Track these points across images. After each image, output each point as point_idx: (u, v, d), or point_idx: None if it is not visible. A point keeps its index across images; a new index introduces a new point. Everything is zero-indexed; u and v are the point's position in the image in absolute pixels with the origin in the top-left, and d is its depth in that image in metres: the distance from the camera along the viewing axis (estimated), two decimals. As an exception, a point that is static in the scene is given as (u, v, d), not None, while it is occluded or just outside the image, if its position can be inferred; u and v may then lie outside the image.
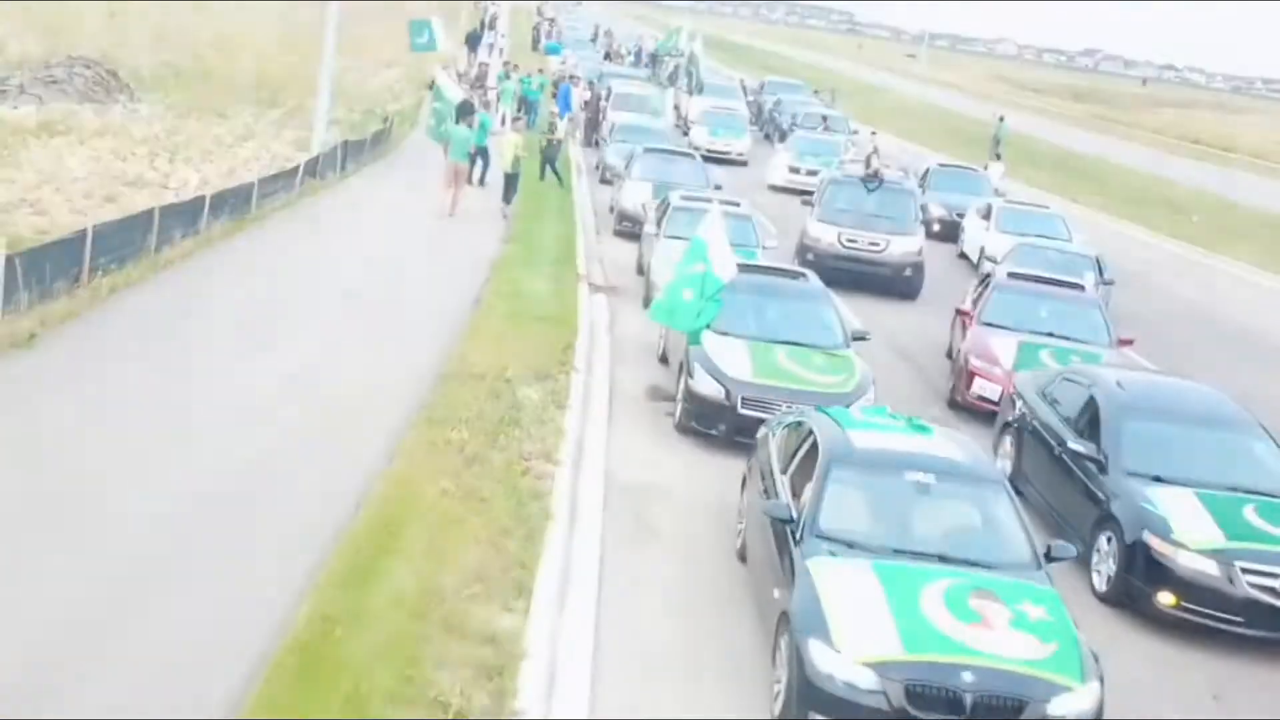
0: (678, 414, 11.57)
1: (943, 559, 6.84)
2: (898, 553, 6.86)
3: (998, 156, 34.20)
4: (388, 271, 16.26)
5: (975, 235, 22.80)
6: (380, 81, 42.83)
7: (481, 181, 22.93)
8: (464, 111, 23.13)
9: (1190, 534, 8.34)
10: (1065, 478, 9.59)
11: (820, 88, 51.71)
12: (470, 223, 20.77)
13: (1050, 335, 13.47)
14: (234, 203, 17.79)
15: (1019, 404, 10.95)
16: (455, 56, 42.11)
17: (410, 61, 46.67)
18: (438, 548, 7.84)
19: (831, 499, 7.13)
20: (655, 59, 52.84)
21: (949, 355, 15.67)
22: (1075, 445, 9.36)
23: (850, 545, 6.87)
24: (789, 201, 27.39)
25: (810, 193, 27.26)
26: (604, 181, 26.32)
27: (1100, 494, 9.05)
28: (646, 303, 16.54)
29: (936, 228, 23.55)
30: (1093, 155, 54.95)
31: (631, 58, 54.73)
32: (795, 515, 7.13)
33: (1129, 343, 13.71)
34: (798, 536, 6.97)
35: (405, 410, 10.48)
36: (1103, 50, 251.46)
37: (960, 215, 24.38)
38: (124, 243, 14.23)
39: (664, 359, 13.78)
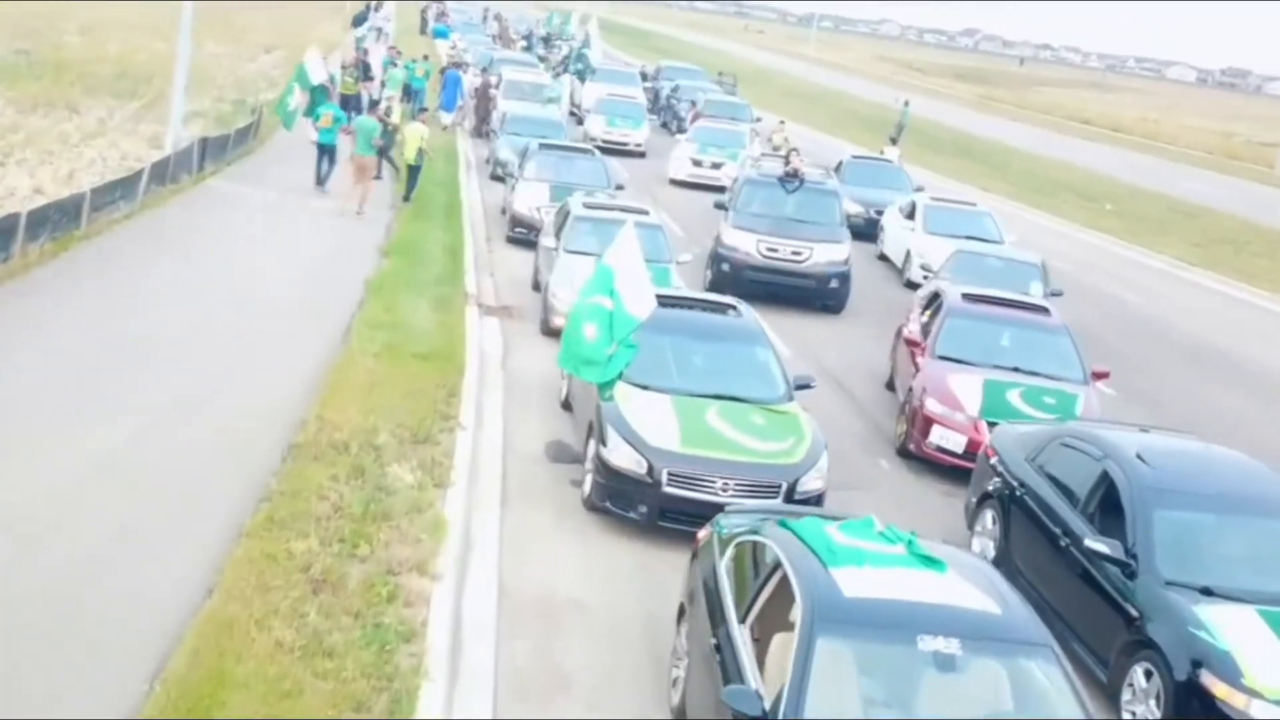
0: (587, 487, 9.38)
1: (981, 777, 4.85)
2: (918, 770, 4.83)
3: (892, 141, 32.73)
4: (239, 299, 13.63)
5: (898, 236, 21.13)
6: (256, 68, 39.59)
7: (322, 183, 20.19)
8: (321, 96, 20.80)
9: (1266, 677, 6.45)
10: (1076, 579, 7.68)
11: (724, 72, 49.88)
12: (342, 232, 18.23)
13: (1016, 370, 11.65)
14: (58, 219, 14.83)
15: (1002, 470, 9.02)
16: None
17: (292, 46, 43.37)
18: (259, 752, 5.55)
19: (820, 683, 5.05)
20: (548, 42, 50.43)
21: (889, 386, 13.84)
22: (1094, 544, 7.42)
23: (851, 760, 4.81)
24: (696, 199, 25.47)
25: (716, 188, 25.58)
26: (495, 178, 24.03)
27: (1131, 610, 7.13)
28: (544, 326, 14.40)
29: (861, 224, 21.82)
30: (989, 139, 54.45)
31: (524, 42, 52.07)
32: (767, 711, 5.03)
33: (1104, 376, 11.97)
34: (775, 746, 4.88)
35: (237, 507, 8.04)
36: (982, 30, 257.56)
37: (878, 212, 22.71)
38: (-103, 277, 11.44)
39: (567, 405, 11.59)
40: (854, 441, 11.89)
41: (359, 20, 45.64)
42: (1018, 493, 8.67)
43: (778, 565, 5.85)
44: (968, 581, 5.70)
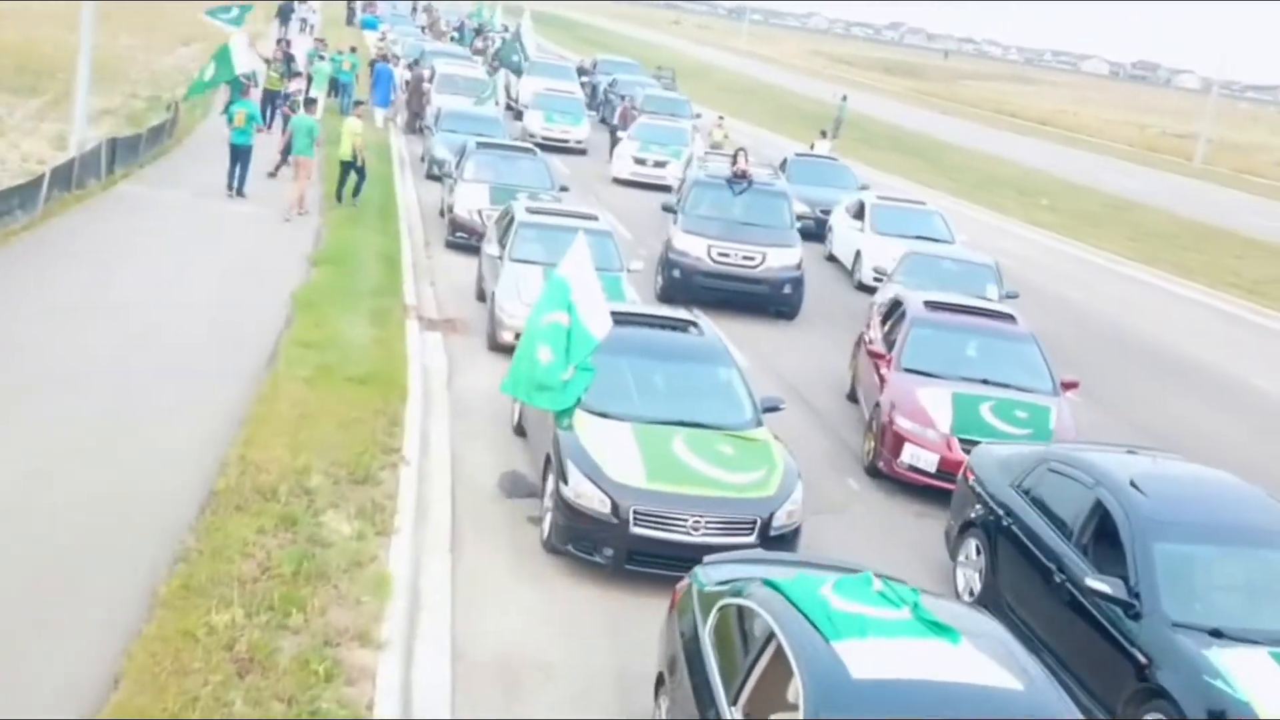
0: (546, 528, 8.65)
1: None
2: None
3: (823, 134, 32.41)
4: (149, 321, 12.58)
5: (847, 236, 20.69)
6: (172, 61, 37.90)
7: (240, 190, 19.12)
8: (235, 91, 19.85)
9: (1287, 728, 6.01)
10: (1076, 619, 7.15)
11: (662, 67, 49.23)
12: (266, 239, 17.22)
13: (985, 382, 11.16)
14: (-55, 231, 13.74)
15: (986, 497, 8.49)
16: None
17: (212, 37, 41.61)
18: None
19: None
20: (480, 33, 49.36)
21: (851, 397, 13.31)
22: (1095, 584, 6.91)
23: None
24: (641, 198, 24.83)
25: (661, 187, 24.94)
26: (431, 177, 23.13)
27: (1139, 655, 6.62)
28: (492, 341, 13.63)
29: (811, 226, 21.38)
30: (923, 133, 54.59)
31: (455, 34, 50.92)
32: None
33: (1073, 385, 11.54)
34: None
35: (148, 572, 7.15)
36: (907, 24, 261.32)
37: (825, 212, 22.28)
38: None
39: (520, 430, 10.85)
40: (820, 459, 11.30)
41: (284, 12, 44.16)
42: (1004, 522, 8.15)
43: (771, 637, 5.21)
44: (983, 653, 5.11)
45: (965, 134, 57.80)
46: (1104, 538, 7.30)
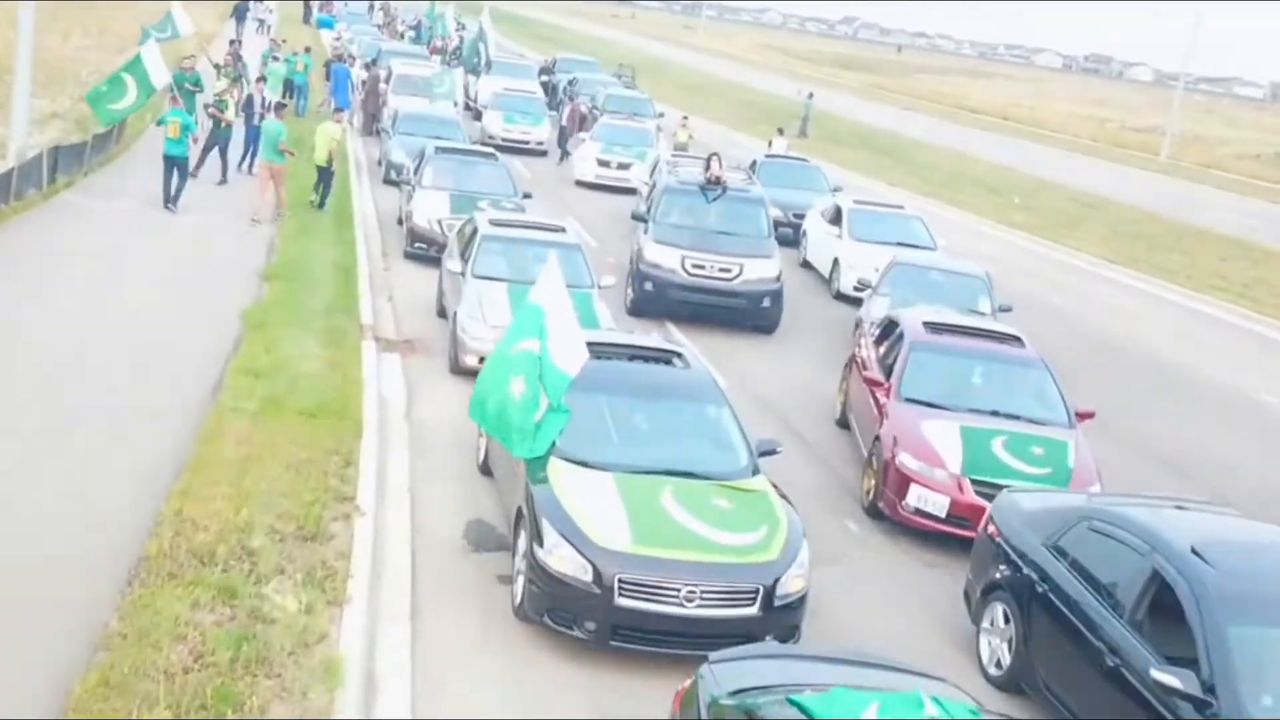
0: (519, 593, 7.66)
1: None
2: None
3: (780, 131, 31.72)
4: (85, 343, 11.45)
5: (823, 242, 19.86)
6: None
7: (175, 201, 17.88)
8: (183, 94, 19.07)
9: None
10: (1133, 709, 6.23)
11: (624, 64, 48.27)
12: (218, 251, 16.09)
13: (995, 414, 10.30)
14: None
15: (1014, 556, 7.60)
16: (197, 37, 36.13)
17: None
18: None
19: None
20: (435, 32, 48.10)
21: (841, 424, 12.44)
22: (1162, 677, 6.01)
23: None
24: (605, 201, 23.89)
25: (625, 190, 24.01)
26: (388, 182, 22.08)
27: (1214, 760, 5.77)
28: (454, 364, 12.63)
29: (789, 234, 20.57)
30: (886, 129, 53.97)
31: (412, 33, 49.59)
32: None
33: (1089, 416, 10.69)
34: None
35: (61, 661, 6.08)
36: (860, 18, 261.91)
37: (798, 216, 21.47)
38: None
39: (486, 469, 9.86)
40: (813, 497, 10.36)
41: (240, 12, 42.67)
42: (1038, 587, 7.26)
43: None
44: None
45: (927, 129, 57.32)
46: (1162, 613, 6.41)
